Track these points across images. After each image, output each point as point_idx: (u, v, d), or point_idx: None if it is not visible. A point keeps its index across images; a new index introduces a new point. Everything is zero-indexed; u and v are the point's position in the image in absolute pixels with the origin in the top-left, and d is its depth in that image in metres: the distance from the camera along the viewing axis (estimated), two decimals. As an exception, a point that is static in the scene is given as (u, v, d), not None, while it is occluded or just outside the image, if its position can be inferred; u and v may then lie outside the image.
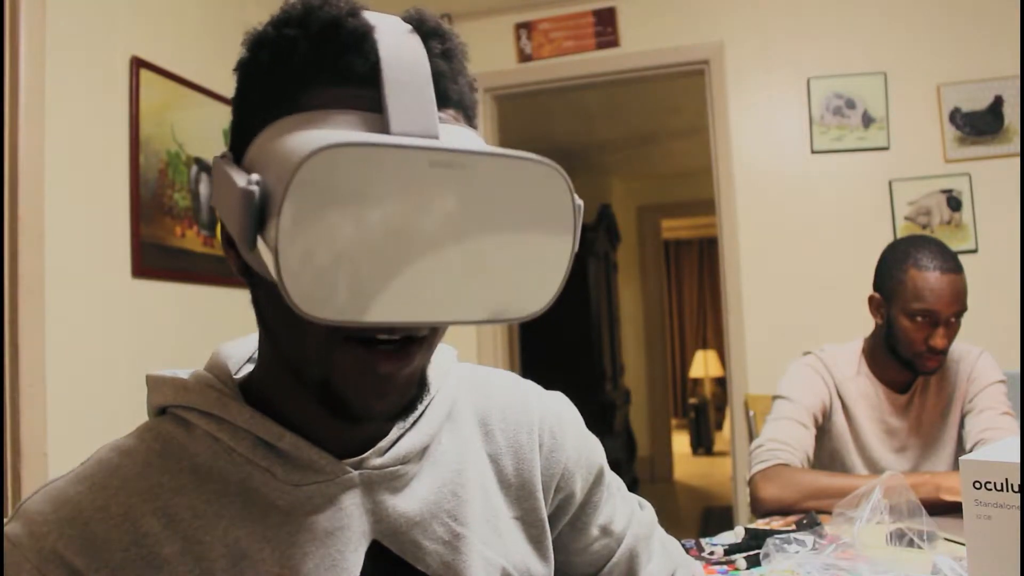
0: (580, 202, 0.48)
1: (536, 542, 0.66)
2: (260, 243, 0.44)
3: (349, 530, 0.56)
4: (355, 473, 0.57)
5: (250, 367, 0.63)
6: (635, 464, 5.42)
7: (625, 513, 0.75)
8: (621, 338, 5.64)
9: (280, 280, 0.41)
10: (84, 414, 1.74)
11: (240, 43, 0.53)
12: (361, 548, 0.56)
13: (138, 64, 1.99)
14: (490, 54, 3.04)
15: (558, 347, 4.73)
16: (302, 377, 0.52)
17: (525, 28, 3.00)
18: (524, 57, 3.01)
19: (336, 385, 0.50)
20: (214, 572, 0.53)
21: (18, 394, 1.61)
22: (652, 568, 0.75)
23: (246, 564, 0.53)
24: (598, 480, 0.72)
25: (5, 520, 0.53)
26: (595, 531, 0.72)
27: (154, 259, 2.00)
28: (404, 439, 0.59)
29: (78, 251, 1.80)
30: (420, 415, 0.61)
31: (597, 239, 4.89)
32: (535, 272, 0.47)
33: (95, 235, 1.86)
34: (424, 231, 0.43)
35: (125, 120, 1.96)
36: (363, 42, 0.48)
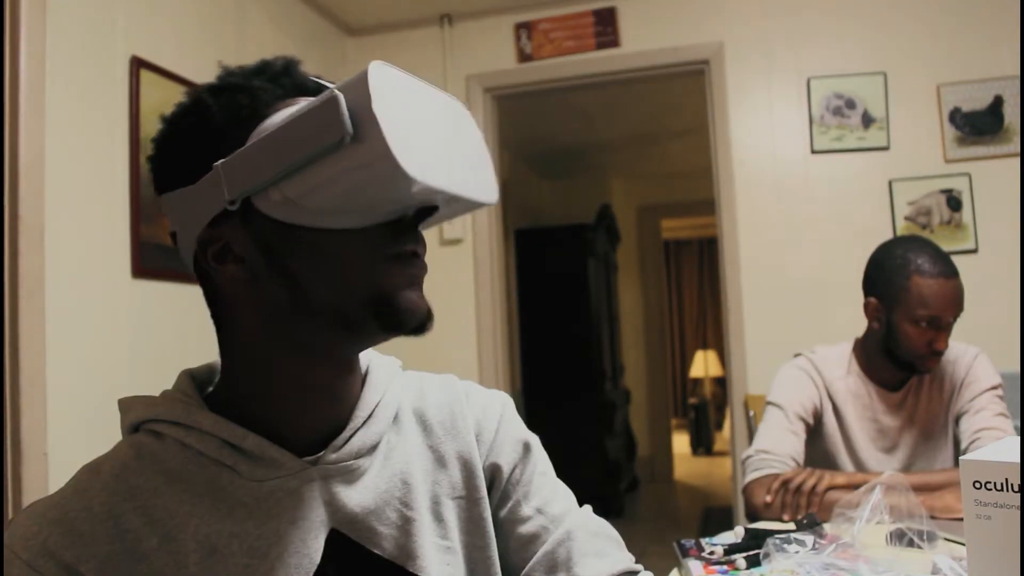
0: (480, 134, 0.66)
1: (478, 519, 0.70)
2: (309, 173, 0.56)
3: (309, 520, 0.62)
4: (313, 468, 0.63)
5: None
6: (635, 464, 5.43)
7: (563, 500, 0.75)
8: (621, 338, 5.64)
9: (391, 153, 0.52)
10: (84, 414, 1.74)
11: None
12: (321, 535, 0.62)
13: (138, 64, 1.99)
14: (490, 54, 3.04)
15: (558, 347, 4.73)
16: (339, 314, 0.60)
17: (525, 28, 3.00)
18: (524, 57, 3.01)
19: (385, 294, 0.60)
20: (188, 566, 0.58)
21: (18, 394, 1.61)
22: (590, 562, 0.72)
23: (217, 558, 0.59)
24: (526, 455, 0.75)
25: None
26: (528, 510, 0.72)
27: (154, 259, 2.00)
28: (356, 436, 0.66)
29: (78, 251, 1.80)
30: (370, 415, 0.67)
31: (597, 239, 4.89)
32: (486, 173, 0.65)
33: (95, 235, 1.86)
34: (454, 139, 0.61)
35: (125, 120, 1.96)
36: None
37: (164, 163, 0.64)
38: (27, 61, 1.67)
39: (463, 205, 0.64)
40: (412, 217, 0.61)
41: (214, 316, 0.65)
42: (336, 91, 0.54)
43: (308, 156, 0.55)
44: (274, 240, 0.59)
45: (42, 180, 1.69)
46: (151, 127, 2.03)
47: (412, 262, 0.61)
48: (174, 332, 2.05)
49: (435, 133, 0.59)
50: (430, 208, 0.61)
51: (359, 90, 0.54)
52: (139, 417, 0.64)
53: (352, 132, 0.53)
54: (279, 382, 0.63)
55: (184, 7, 2.21)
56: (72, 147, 1.80)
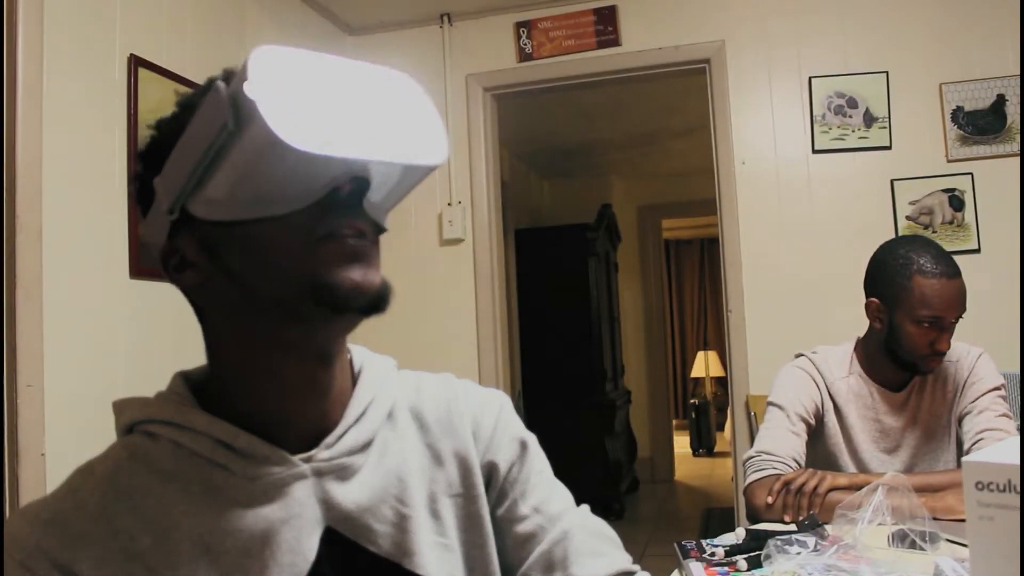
0: (437, 115, 0.63)
1: (475, 517, 0.70)
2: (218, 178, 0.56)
3: (302, 518, 0.62)
4: (306, 466, 0.63)
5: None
6: (636, 465, 5.41)
7: (561, 500, 0.75)
8: (622, 338, 5.63)
9: (270, 128, 0.51)
10: (82, 414, 1.73)
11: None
12: (315, 534, 0.62)
13: (137, 62, 1.99)
14: (490, 53, 3.04)
15: (559, 347, 4.72)
16: (283, 305, 0.59)
17: (525, 27, 3.00)
18: (524, 56, 3.00)
19: (321, 277, 0.58)
20: (182, 565, 0.58)
21: (16, 394, 1.60)
22: (587, 562, 0.72)
23: (211, 557, 0.59)
24: (523, 454, 0.74)
25: None
26: (525, 509, 0.72)
27: (152, 259, 1.99)
28: (348, 434, 0.66)
29: (76, 251, 1.80)
30: (362, 413, 0.67)
31: (598, 239, 4.88)
32: (431, 139, 0.61)
33: (93, 235, 1.85)
34: (354, 103, 0.58)
35: (124, 119, 1.95)
36: None
37: (137, 192, 0.66)
38: (24, 59, 1.66)
39: (410, 173, 0.62)
40: (347, 194, 0.59)
41: (201, 324, 0.67)
42: (217, 82, 0.55)
43: (206, 151, 0.55)
44: (214, 240, 0.60)
45: (40, 180, 1.69)
46: (150, 126, 2.02)
47: (348, 240, 0.59)
48: (172, 332, 2.04)
49: (340, 102, 0.57)
50: (361, 181, 0.59)
51: (241, 76, 0.53)
52: (133, 418, 0.65)
53: (233, 117, 0.53)
54: (256, 379, 0.63)
55: (183, 5, 2.20)
56: (70, 146, 1.80)
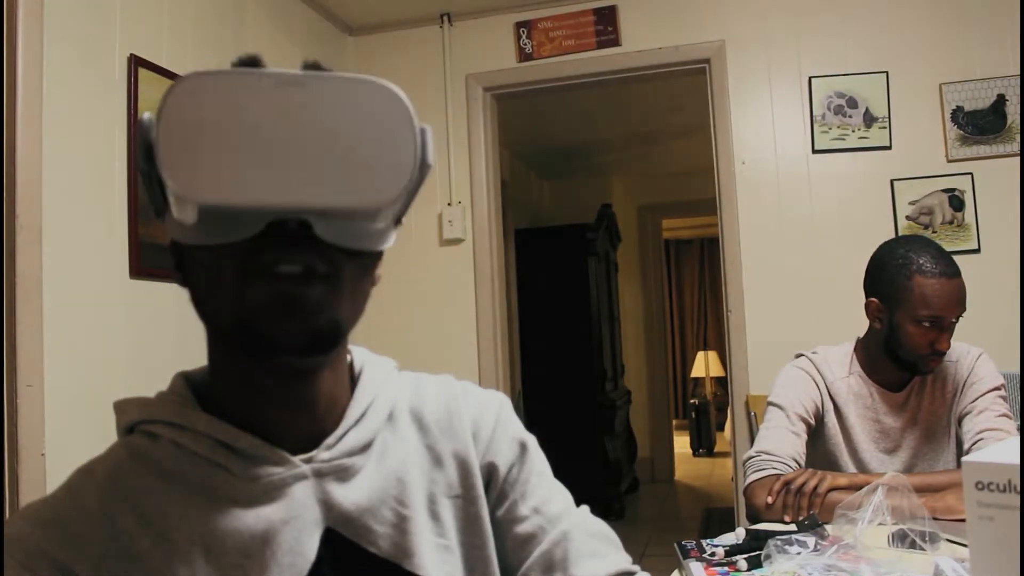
0: (421, 126, 0.55)
1: (475, 518, 0.70)
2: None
3: (302, 519, 0.62)
4: (306, 467, 0.63)
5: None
6: (636, 465, 5.42)
7: (561, 501, 0.75)
8: (622, 338, 5.63)
9: (161, 168, 0.49)
10: (82, 414, 1.73)
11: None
12: (316, 534, 0.62)
13: (137, 62, 1.98)
14: (490, 53, 3.04)
15: (558, 347, 4.73)
16: (224, 328, 0.58)
17: (525, 27, 3.00)
18: (524, 56, 3.00)
19: (248, 315, 0.55)
20: (182, 565, 0.58)
21: (16, 394, 1.60)
22: (587, 563, 0.72)
23: (211, 557, 0.59)
24: (523, 455, 0.74)
25: None
26: (525, 510, 0.72)
27: (152, 259, 1.99)
28: (349, 435, 0.66)
29: (76, 251, 1.80)
30: (363, 415, 0.68)
31: (597, 239, 4.88)
32: (382, 170, 0.53)
33: (93, 235, 1.85)
34: (280, 134, 0.51)
35: (124, 119, 1.95)
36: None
37: None
38: (24, 59, 1.66)
39: (356, 212, 0.55)
40: (293, 226, 0.53)
41: None
42: (143, 115, 0.53)
43: (146, 176, 0.56)
44: (181, 255, 0.62)
45: (39, 180, 1.69)
46: (150, 126, 2.02)
47: (280, 279, 0.54)
48: (172, 332, 2.04)
49: (259, 141, 0.50)
50: (299, 222, 0.53)
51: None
52: (134, 418, 0.65)
53: (143, 156, 0.53)
54: (241, 386, 0.62)
55: (183, 5, 2.20)
56: (70, 146, 1.79)
